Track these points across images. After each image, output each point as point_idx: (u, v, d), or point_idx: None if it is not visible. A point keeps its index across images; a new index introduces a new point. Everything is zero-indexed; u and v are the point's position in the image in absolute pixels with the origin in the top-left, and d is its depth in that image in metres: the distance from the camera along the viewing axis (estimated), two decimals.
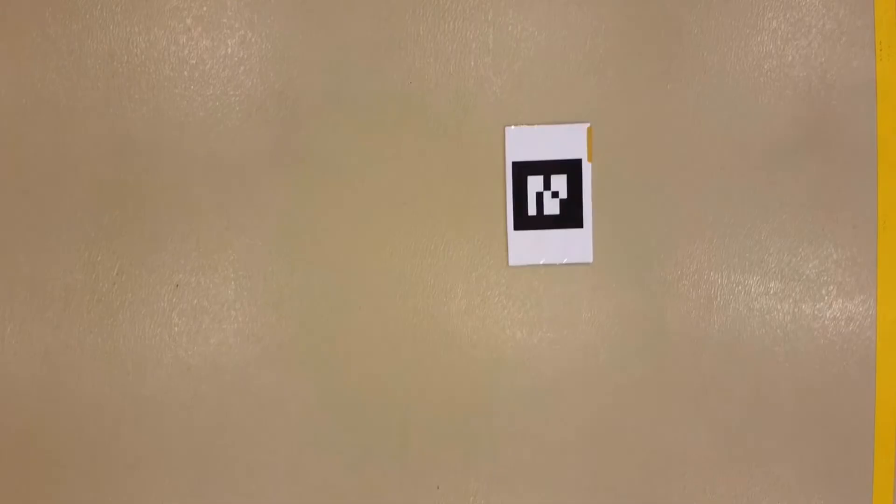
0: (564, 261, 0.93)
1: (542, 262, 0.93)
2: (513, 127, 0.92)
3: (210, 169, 0.93)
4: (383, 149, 0.92)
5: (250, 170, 0.93)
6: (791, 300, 0.93)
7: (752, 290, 0.93)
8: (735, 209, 0.93)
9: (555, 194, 0.93)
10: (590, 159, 0.92)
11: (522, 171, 0.92)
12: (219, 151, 0.93)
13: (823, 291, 0.93)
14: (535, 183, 0.93)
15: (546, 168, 0.92)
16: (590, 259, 0.93)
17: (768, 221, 0.93)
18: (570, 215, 0.93)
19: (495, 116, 0.92)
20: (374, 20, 0.92)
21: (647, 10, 0.91)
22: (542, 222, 0.93)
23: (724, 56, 0.92)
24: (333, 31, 0.92)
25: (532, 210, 0.93)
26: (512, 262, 0.93)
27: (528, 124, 0.92)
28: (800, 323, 0.94)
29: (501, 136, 0.92)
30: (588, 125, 0.92)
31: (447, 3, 0.91)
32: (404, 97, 0.92)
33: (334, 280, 0.94)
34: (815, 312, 0.93)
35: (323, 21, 0.92)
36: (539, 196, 0.93)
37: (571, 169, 0.92)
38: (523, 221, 0.93)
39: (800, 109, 0.92)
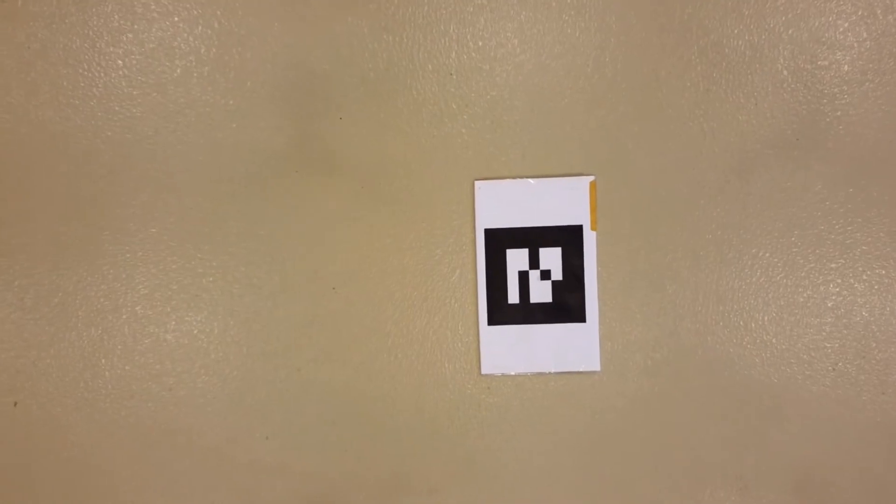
0: (560, 369, 0.66)
1: (527, 371, 0.66)
2: (484, 181, 0.65)
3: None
4: (307, 212, 0.65)
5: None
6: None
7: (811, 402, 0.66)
8: (791, 294, 0.66)
9: (545, 275, 0.66)
10: (594, 226, 0.65)
11: (499, 242, 0.65)
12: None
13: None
14: (517, 259, 0.66)
15: (533, 238, 0.65)
16: (596, 366, 0.66)
17: (837, 314, 0.66)
18: (567, 304, 0.65)
19: (461, 167, 0.65)
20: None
21: (673, 17, 0.65)
22: (528, 314, 0.66)
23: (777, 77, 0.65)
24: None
25: (513, 297, 0.66)
26: (486, 369, 0.66)
27: (507, 177, 0.65)
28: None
29: (470, 194, 0.66)
30: (591, 178, 0.65)
31: (389, 5, 0.65)
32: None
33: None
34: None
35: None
36: (523, 277, 0.66)
37: (568, 239, 0.65)
38: (501, 313, 0.66)
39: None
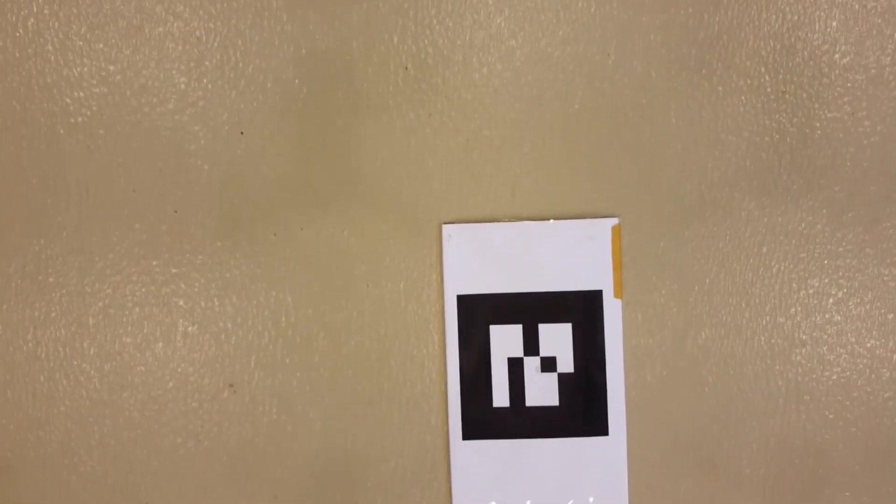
0: None
1: None
2: (457, 225, 0.44)
3: None
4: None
5: None
6: None
7: None
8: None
9: (548, 364, 0.44)
10: (618, 292, 0.44)
11: (479, 315, 0.44)
12: None
13: None
14: (505, 340, 0.44)
15: (529, 310, 0.44)
16: (625, 499, 0.44)
17: None
18: (581, 409, 0.44)
19: (422, 204, 0.44)
20: None
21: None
22: (523, 424, 0.44)
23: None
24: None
25: (500, 398, 0.44)
26: None
27: (489, 220, 0.44)
28: None
29: (435, 244, 0.44)
30: (615, 221, 0.44)
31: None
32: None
33: None
34: None
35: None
36: (516, 367, 0.44)
37: (582, 311, 0.44)
38: (483, 422, 0.44)
39: None
